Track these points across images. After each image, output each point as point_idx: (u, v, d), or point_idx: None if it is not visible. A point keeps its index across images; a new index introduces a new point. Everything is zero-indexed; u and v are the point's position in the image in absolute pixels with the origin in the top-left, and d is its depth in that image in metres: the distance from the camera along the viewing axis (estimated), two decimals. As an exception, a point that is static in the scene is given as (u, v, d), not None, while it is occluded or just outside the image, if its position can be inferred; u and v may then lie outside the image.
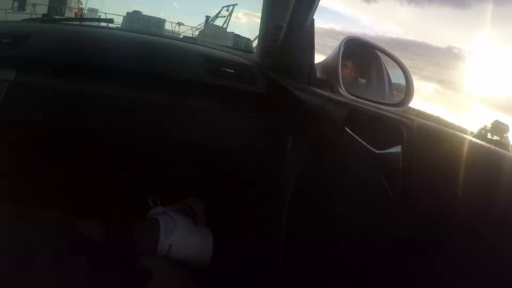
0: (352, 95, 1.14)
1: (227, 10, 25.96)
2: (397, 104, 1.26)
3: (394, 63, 1.30)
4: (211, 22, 25.85)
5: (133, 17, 17.72)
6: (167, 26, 18.78)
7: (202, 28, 23.10)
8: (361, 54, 1.30)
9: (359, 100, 1.07)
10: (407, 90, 1.26)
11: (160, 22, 18.33)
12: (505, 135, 12.93)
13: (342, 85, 1.09)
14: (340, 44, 1.15)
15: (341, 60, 1.12)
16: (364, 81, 1.38)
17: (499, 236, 0.40)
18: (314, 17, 1.63)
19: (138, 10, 19.29)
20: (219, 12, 26.25)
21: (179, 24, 18.19)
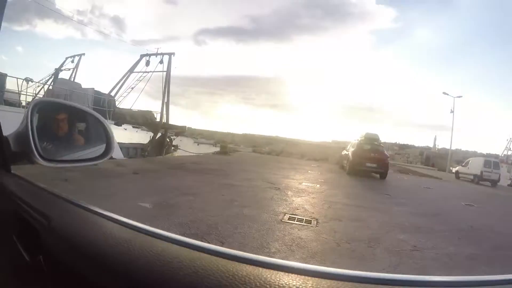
0: (53, 160, 1.20)
1: (72, 61, 23.79)
2: (99, 157, 1.35)
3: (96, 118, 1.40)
4: (53, 76, 22.98)
5: None
6: (10, 84, 15.54)
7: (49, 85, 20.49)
8: (58, 113, 1.34)
9: (57, 165, 1.24)
10: (107, 141, 1.35)
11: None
12: (375, 143, 14.40)
13: (37, 155, 1.08)
14: (28, 111, 1.13)
15: (35, 127, 1.11)
16: (76, 139, 1.43)
17: None
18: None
19: None
20: (62, 64, 24.12)
21: (27, 80, 15.31)
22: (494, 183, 22.28)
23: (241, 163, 16.66)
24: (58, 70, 23.59)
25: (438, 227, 6.48)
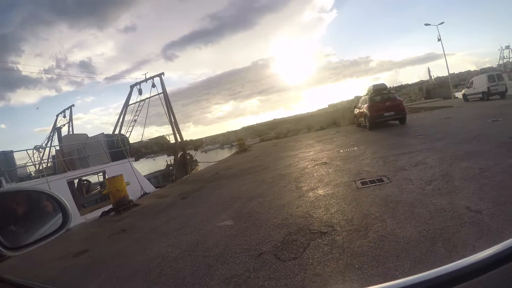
0: (19, 248, 1.24)
1: (64, 116, 24.10)
2: (60, 227, 1.44)
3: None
4: (52, 135, 23.60)
5: None
6: (20, 158, 15.94)
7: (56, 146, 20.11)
8: (5, 201, 1.36)
9: (24, 251, 1.24)
10: (62, 209, 1.46)
11: (8, 157, 14.45)
12: (385, 92, 14.69)
13: (3, 249, 1.12)
14: None
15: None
16: (32, 220, 1.46)
17: None
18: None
19: None
20: (55, 122, 24.42)
21: (37, 148, 15.65)
22: (503, 94, 22.59)
23: (267, 153, 16.69)
24: (57, 129, 23.70)
25: (486, 146, 6.85)
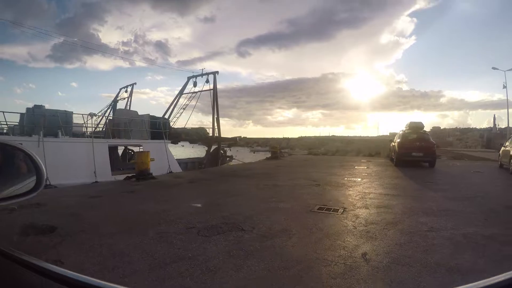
0: None
1: (126, 91, 27.45)
2: (31, 191, 1.35)
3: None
4: (112, 105, 26.94)
5: (36, 113, 15.88)
6: (76, 119, 18.05)
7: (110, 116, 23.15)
8: None
9: None
10: (37, 173, 1.37)
11: (68, 115, 16.85)
12: (420, 131, 13.84)
13: None
14: None
15: None
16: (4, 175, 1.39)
17: None
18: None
19: (38, 104, 17.11)
20: (117, 95, 27.89)
21: (91, 115, 17.87)
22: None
23: (289, 166, 17.42)
24: (115, 102, 27.32)
25: (470, 208, 6.86)
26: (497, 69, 34.78)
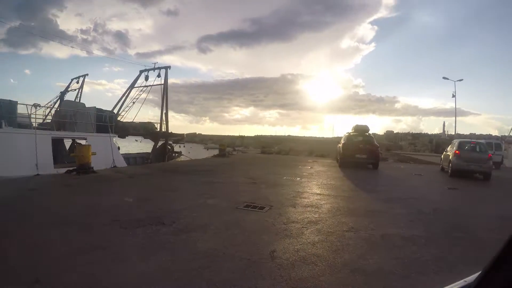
0: None
1: (77, 82, 26.58)
2: None
3: None
4: (62, 96, 25.72)
5: None
6: (21, 109, 16.95)
7: (56, 107, 22.40)
8: None
9: None
10: None
11: (12, 105, 16.18)
12: (365, 134, 14.22)
13: None
14: None
15: None
16: None
17: None
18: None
19: None
20: (69, 85, 26.92)
21: (35, 106, 16.63)
22: (497, 165, 21.90)
23: (234, 164, 17.34)
24: (63, 93, 26.22)
25: (398, 210, 6.98)
26: (448, 79, 36.27)
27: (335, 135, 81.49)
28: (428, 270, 3.68)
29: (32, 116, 16.41)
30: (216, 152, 24.15)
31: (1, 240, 4.31)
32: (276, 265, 3.64)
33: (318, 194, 8.46)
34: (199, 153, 29.10)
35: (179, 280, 3.27)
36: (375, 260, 3.90)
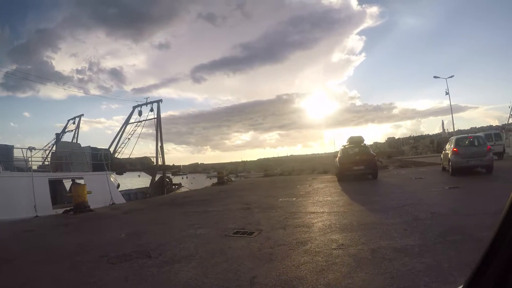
0: None
1: (74, 123, 27.43)
2: None
3: None
4: (60, 137, 26.60)
5: None
6: (17, 153, 16.88)
7: (53, 149, 22.70)
8: None
9: None
10: None
11: (8, 149, 16.52)
12: (361, 145, 14.10)
13: None
14: None
15: None
16: None
17: None
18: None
19: None
20: (65, 126, 27.78)
21: (31, 149, 16.76)
22: (500, 155, 21.57)
23: (231, 190, 17.13)
24: (59, 135, 27.06)
25: (394, 219, 6.76)
26: (438, 77, 36.47)
27: (337, 149, 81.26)
28: (418, 283, 3.46)
29: (28, 159, 16.69)
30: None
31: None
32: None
33: (311, 212, 8.33)
34: (201, 182, 29.08)
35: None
36: (361, 277, 3.71)
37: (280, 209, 9.14)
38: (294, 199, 11.23)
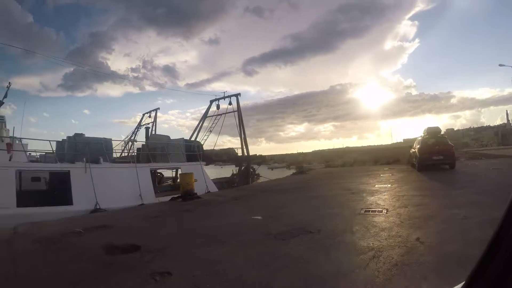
0: None
1: (149, 116, 29.72)
2: None
3: None
4: (137, 130, 29.70)
5: (78, 140, 15.72)
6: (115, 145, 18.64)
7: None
8: None
9: None
10: None
11: (108, 142, 17.27)
12: (438, 135, 14.76)
13: None
14: None
15: None
16: None
17: None
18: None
19: (79, 132, 16.79)
20: (141, 120, 30.36)
21: (132, 141, 18.89)
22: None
23: (317, 179, 18.46)
24: (139, 127, 30.29)
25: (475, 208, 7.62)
26: (504, 65, 35.10)
27: (394, 141, 79.67)
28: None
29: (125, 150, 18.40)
30: (281, 171, 25.24)
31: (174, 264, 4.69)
32: (428, 247, 4.65)
33: (417, 195, 9.29)
34: (265, 173, 30.13)
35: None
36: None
37: (386, 193, 10.11)
38: (389, 185, 12.15)
